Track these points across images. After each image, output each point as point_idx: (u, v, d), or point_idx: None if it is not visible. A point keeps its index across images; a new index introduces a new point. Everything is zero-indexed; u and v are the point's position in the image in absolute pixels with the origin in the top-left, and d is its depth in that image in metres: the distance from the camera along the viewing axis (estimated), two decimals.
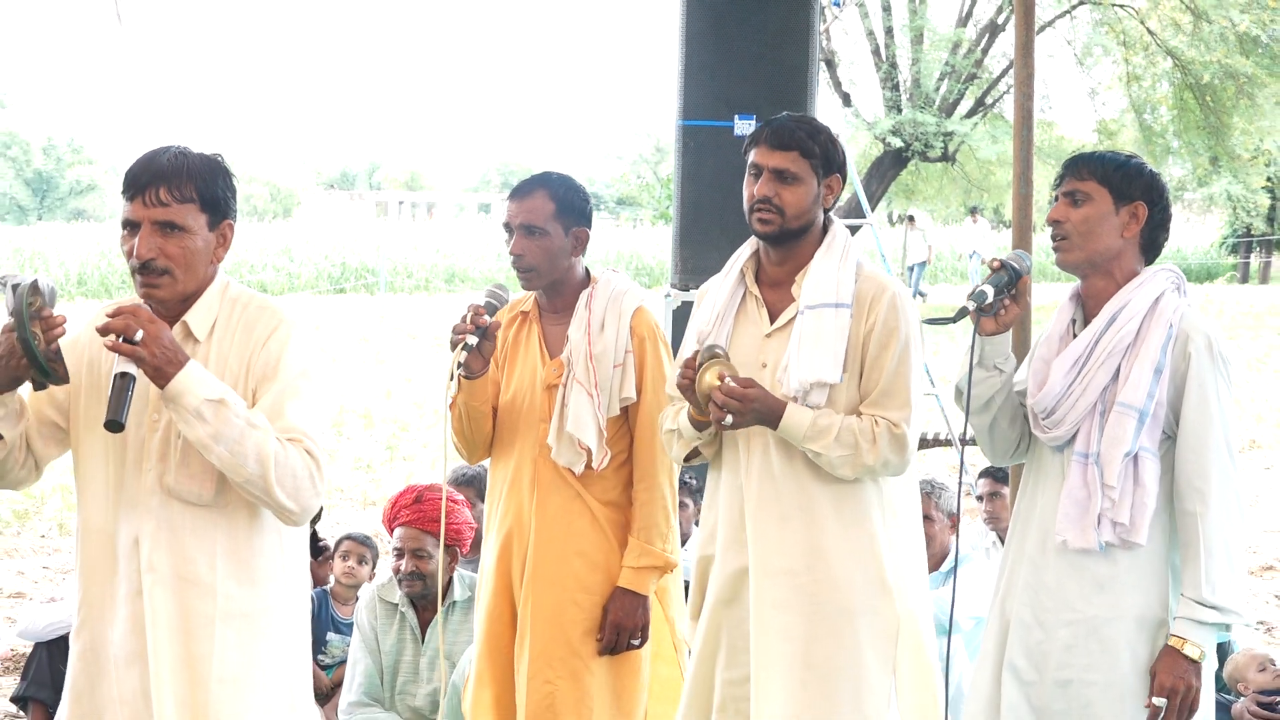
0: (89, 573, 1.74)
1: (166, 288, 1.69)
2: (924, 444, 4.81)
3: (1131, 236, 1.85)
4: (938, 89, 13.10)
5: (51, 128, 34.31)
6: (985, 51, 13.17)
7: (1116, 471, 1.76)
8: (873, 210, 8.94)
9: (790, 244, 2.00)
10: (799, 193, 1.96)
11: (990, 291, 1.81)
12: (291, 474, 1.65)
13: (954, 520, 3.00)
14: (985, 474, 3.48)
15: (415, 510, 2.88)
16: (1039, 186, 9.87)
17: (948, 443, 5.15)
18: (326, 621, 3.25)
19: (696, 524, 3.43)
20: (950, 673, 1.98)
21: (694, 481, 3.34)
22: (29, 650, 3.12)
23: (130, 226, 1.69)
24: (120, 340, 1.59)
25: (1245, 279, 21.27)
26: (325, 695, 3.16)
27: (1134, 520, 1.76)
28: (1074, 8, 12.60)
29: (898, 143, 12.57)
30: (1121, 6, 12.49)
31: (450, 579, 2.93)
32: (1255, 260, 21.86)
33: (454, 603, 2.90)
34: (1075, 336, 1.86)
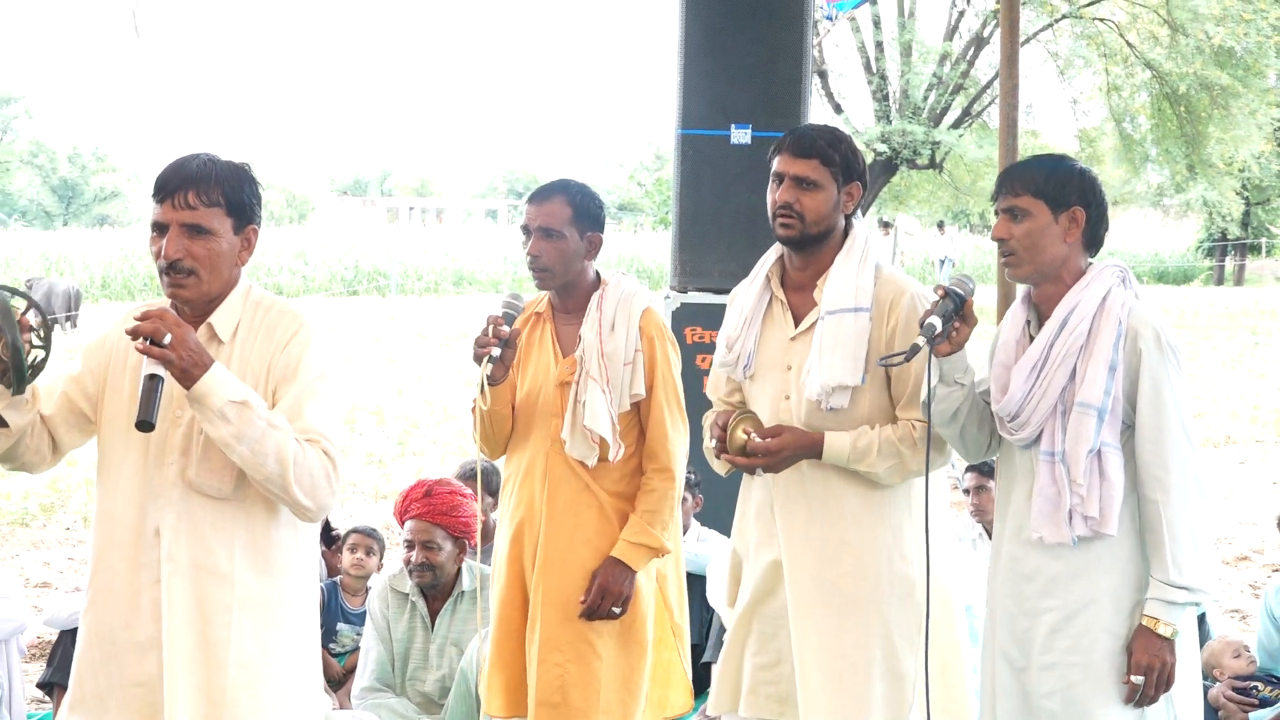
0: (103, 559, 1.78)
1: (192, 288, 1.74)
2: None
3: (1074, 240, 1.90)
4: (926, 99, 13.30)
5: (77, 136, 35.27)
6: (971, 63, 13.37)
7: (1082, 468, 1.82)
8: (863, 215, 9.07)
9: (811, 249, 2.05)
10: (819, 199, 2.02)
11: (939, 322, 1.85)
12: (309, 474, 1.69)
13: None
14: (971, 469, 3.57)
15: (425, 503, 2.94)
16: None
17: None
18: (336, 612, 3.30)
19: (696, 517, 3.55)
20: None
21: (693, 475, 3.43)
22: (54, 638, 3.20)
23: (159, 228, 1.74)
24: (149, 343, 1.64)
25: (1220, 281, 21.61)
26: (337, 682, 3.24)
27: (1103, 513, 1.83)
28: (1056, 21, 12.81)
29: (887, 151, 12.75)
30: (1102, 20, 12.72)
31: (458, 569, 3.01)
32: (1230, 263, 22.22)
33: (461, 592, 2.97)
34: (1031, 339, 1.92)
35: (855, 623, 2.01)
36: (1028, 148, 14.84)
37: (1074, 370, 1.86)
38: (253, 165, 1.82)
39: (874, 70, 13.28)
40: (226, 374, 1.69)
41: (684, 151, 3.86)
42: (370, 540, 3.38)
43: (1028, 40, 12.66)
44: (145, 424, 1.64)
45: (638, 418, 2.30)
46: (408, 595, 2.99)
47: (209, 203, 1.74)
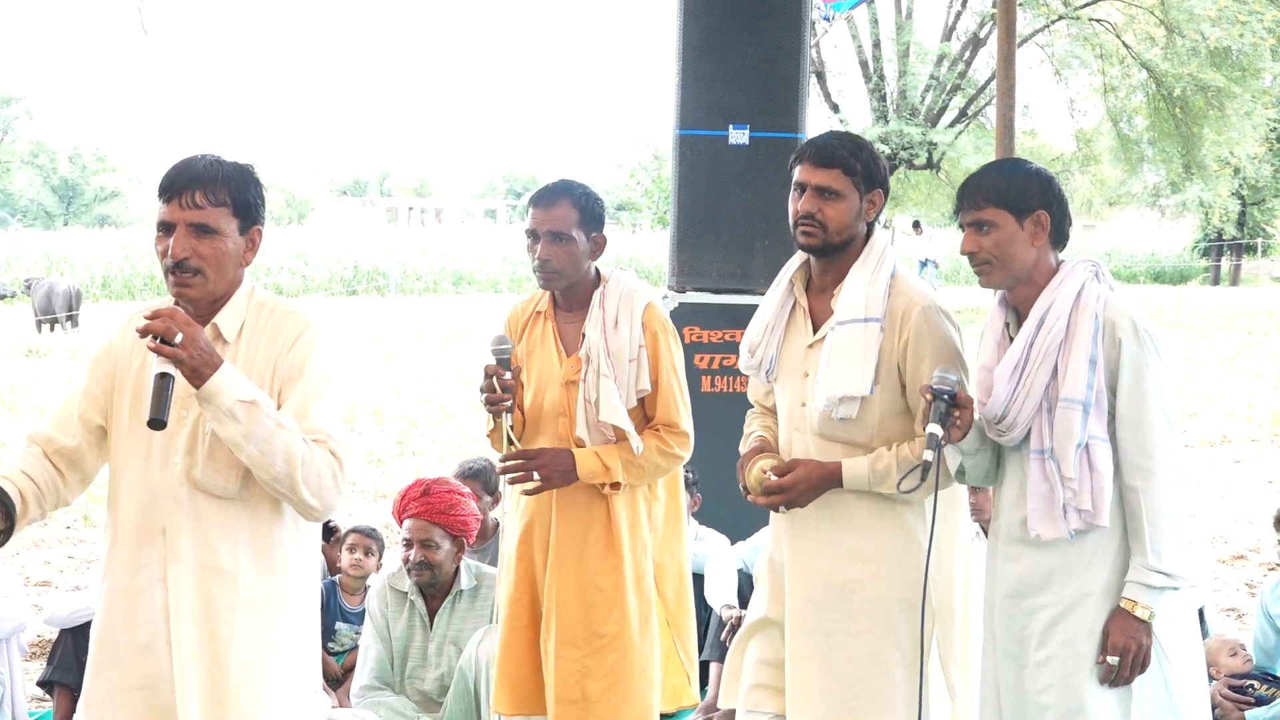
0: (109, 562, 1.79)
1: (198, 287, 1.75)
2: None
3: (1042, 242, 1.93)
4: (923, 100, 13.33)
5: (77, 137, 35.88)
6: (968, 64, 13.42)
7: (1072, 463, 1.85)
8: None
9: (833, 256, 2.06)
10: (841, 208, 2.03)
11: (939, 429, 1.86)
12: (316, 473, 1.70)
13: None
14: None
15: (423, 503, 2.95)
16: None
17: None
18: (335, 611, 3.31)
19: (695, 517, 3.56)
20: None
21: (693, 475, 3.44)
22: (55, 636, 3.19)
23: (165, 228, 1.75)
24: (159, 342, 1.65)
25: (1216, 281, 21.70)
26: (336, 681, 3.25)
27: (1096, 505, 1.85)
28: (1053, 22, 12.85)
29: (885, 151, 12.77)
30: (1099, 21, 12.76)
31: (456, 568, 3.02)
32: (1226, 263, 22.30)
33: (460, 591, 2.98)
34: (1011, 340, 1.94)
35: (860, 626, 2.03)
36: (1024, 148, 14.90)
37: (1055, 367, 1.88)
38: (254, 166, 1.83)
39: (871, 71, 13.32)
40: (236, 373, 1.70)
41: (682, 152, 3.86)
42: (369, 540, 3.39)
43: (1025, 41, 12.71)
44: (157, 422, 1.65)
45: (644, 414, 2.33)
46: (406, 594, 3.00)
47: (216, 202, 1.75)
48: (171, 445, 1.75)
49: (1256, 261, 23.31)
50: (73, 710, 2.88)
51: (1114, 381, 1.88)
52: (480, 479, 3.41)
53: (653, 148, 20.49)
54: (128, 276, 17.40)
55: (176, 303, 1.78)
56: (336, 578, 3.39)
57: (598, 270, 2.38)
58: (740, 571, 3.32)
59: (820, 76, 12.68)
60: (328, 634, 3.29)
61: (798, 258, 2.15)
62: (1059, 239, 1.96)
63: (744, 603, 3.17)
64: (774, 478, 2.01)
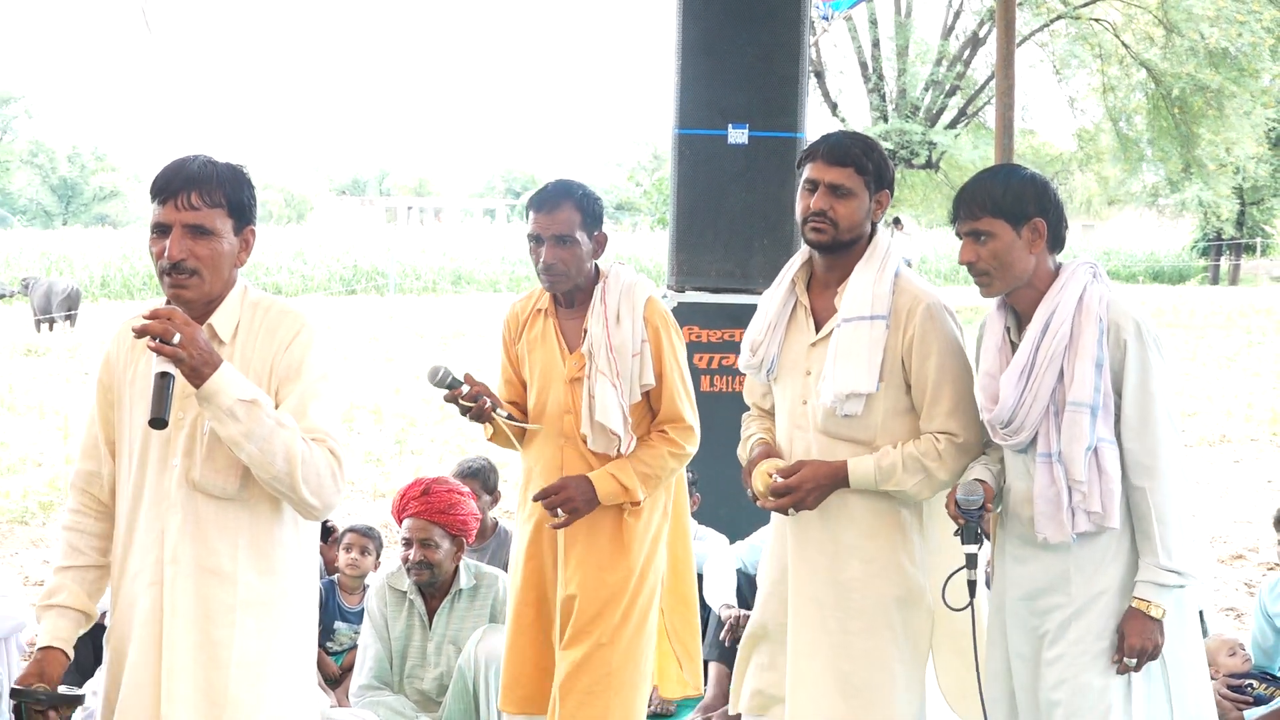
0: (114, 565, 1.81)
1: (195, 288, 1.75)
2: None
3: (1040, 249, 1.94)
4: (922, 99, 13.35)
5: (76, 136, 35.94)
6: (968, 63, 13.43)
7: (1082, 466, 1.86)
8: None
9: (840, 254, 2.08)
10: (851, 206, 2.04)
11: (975, 547, 1.89)
12: (316, 472, 1.71)
13: None
14: None
15: (423, 502, 2.95)
16: None
17: None
18: (333, 611, 3.31)
19: (694, 516, 3.56)
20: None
21: (692, 475, 3.44)
22: None
23: (160, 230, 1.74)
24: (159, 342, 1.65)
25: (1216, 280, 21.72)
26: (334, 680, 3.25)
27: (1106, 507, 1.87)
28: (1052, 21, 12.87)
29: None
30: (1098, 20, 12.78)
31: (456, 567, 3.02)
32: (1225, 263, 22.33)
33: (459, 590, 2.98)
34: (1012, 344, 1.96)
35: (860, 625, 2.04)
36: (1024, 147, 14.92)
37: (1061, 371, 1.90)
38: (248, 166, 1.83)
39: (870, 70, 13.33)
40: (235, 373, 1.70)
41: (681, 151, 3.87)
42: (366, 540, 3.38)
43: (1024, 40, 12.72)
44: (158, 421, 1.65)
45: (649, 408, 2.34)
46: (406, 593, 3.00)
47: (211, 203, 1.75)
48: (170, 447, 1.76)
49: (1256, 261, 23.34)
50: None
51: (1119, 383, 1.89)
52: (479, 478, 3.41)
53: (652, 147, 20.56)
54: (127, 276, 17.42)
55: (169, 303, 1.78)
56: (334, 577, 3.39)
57: (597, 265, 2.38)
58: (739, 571, 3.32)
59: (819, 76, 12.70)
60: (326, 633, 3.29)
61: (799, 257, 2.16)
62: (1056, 243, 1.96)
63: (743, 602, 3.17)
64: (780, 480, 2.01)
